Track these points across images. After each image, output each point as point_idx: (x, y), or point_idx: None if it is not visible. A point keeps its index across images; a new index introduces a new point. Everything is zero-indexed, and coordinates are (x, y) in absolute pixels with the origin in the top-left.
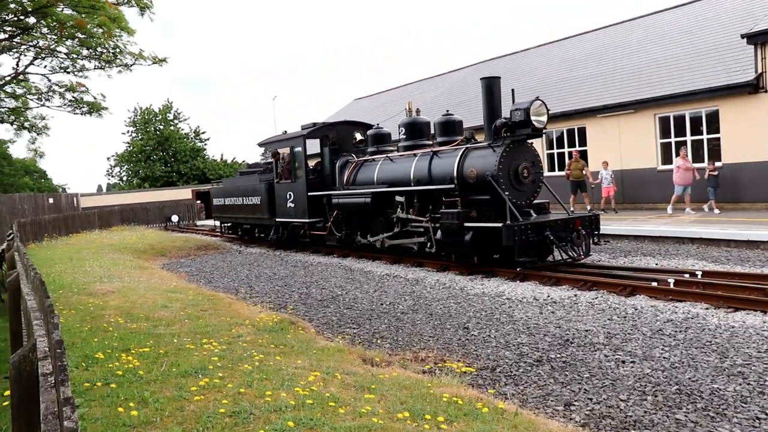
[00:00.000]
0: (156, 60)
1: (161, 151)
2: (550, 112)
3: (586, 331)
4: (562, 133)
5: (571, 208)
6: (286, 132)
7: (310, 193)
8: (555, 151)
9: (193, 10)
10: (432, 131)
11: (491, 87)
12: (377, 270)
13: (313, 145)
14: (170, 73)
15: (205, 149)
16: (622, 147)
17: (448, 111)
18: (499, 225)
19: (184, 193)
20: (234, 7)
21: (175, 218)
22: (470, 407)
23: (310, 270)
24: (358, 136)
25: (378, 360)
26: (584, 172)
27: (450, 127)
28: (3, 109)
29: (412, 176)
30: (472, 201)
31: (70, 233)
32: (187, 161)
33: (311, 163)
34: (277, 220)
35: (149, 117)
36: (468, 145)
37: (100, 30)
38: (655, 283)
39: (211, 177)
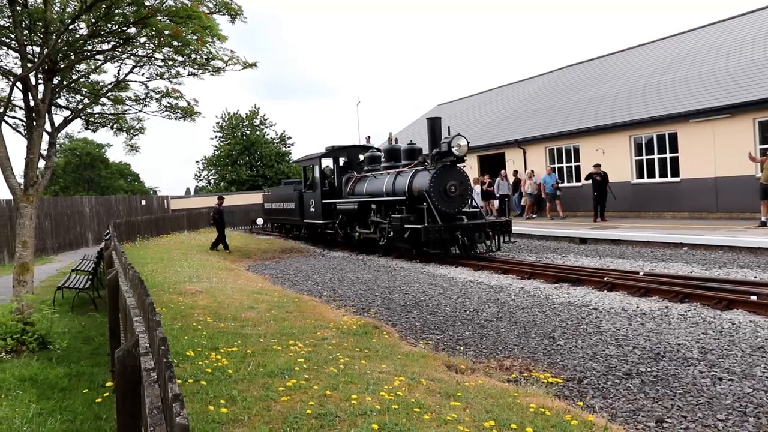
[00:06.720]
0: (246, 64)
1: (247, 155)
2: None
3: (679, 344)
4: (652, 138)
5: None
6: (369, 139)
7: (324, 201)
8: (644, 157)
9: (277, 16)
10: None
11: (433, 125)
12: (460, 276)
13: (329, 163)
14: (257, 78)
15: (290, 153)
16: (716, 153)
17: (411, 141)
18: (420, 226)
19: None
20: (318, 12)
21: (260, 221)
22: (558, 419)
23: (392, 275)
24: (361, 157)
25: (463, 367)
26: None
27: (411, 153)
28: (106, 114)
29: (384, 190)
30: (417, 209)
31: (160, 234)
32: (272, 165)
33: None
34: (305, 221)
35: (236, 122)
36: (417, 168)
37: (194, 37)
38: (754, 297)
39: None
